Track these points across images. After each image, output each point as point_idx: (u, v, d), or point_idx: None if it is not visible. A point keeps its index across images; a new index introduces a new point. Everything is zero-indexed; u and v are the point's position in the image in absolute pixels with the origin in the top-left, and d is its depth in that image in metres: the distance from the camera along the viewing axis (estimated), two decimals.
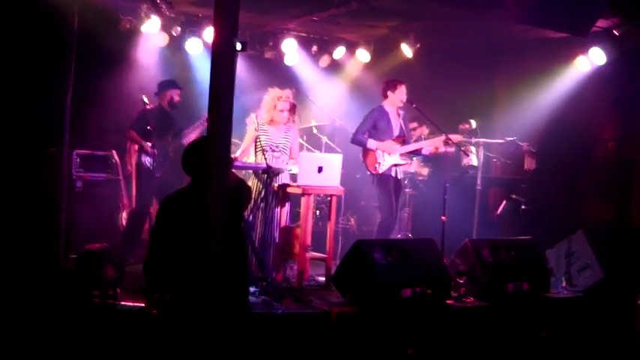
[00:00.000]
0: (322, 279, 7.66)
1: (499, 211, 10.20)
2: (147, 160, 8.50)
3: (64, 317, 5.12)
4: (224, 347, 4.56)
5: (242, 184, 5.33)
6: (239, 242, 5.08)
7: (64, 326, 5.09)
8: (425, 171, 10.22)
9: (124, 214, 9.24)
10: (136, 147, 8.89)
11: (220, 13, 4.67)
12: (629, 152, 10.33)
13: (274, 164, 7.59)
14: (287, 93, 7.90)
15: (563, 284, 7.90)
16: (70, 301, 5.20)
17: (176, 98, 8.87)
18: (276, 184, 7.65)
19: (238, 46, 4.68)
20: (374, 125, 8.56)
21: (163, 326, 4.82)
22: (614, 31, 8.77)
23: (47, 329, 5.06)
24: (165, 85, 8.91)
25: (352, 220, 10.33)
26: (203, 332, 4.36)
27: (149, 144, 8.44)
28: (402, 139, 8.60)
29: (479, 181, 9.25)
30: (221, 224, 4.44)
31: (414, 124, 9.99)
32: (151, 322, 4.98)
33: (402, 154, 8.55)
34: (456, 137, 8.64)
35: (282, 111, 7.82)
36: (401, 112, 8.73)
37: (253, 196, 7.62)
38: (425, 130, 9.88)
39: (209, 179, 4.49)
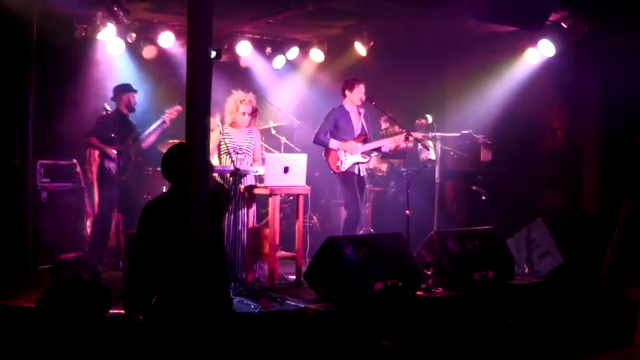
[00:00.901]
0: (292, 277, 7.80)
1: None
2: (111, 166, 8.53)
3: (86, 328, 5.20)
4: (211, 348, 4.68)
5: (221, 188, 5.43)
6: (219, 245, 5.19)
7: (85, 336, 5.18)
8: (384, 167, 10.44)
9: (88, 223, 9.24)
10: (97, 154, 8.91)
11: (194, 23, 4.74)
12: (578, 140, 10.67)
13: (239, 167, 7.70)
14: (249, 96, 8.02)
15: (526, 271, 8.17)
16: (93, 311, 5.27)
17: (133, 101, 8.91)
18: (242, 186, 7.76)
19: (213, 54, 4.78)
20: (335, 125, 8.72)
21: (151, 332, 4.90)
22: (563, 24, 9.03)
23: (69, 340, 5.12)
24: (120, 90, 8.93)
25: (315, 218, 10.47)
26: (191, 335, 4.46)
27: (113, 150, 8.48)
28: (364, 138, 8.77)
29: (437, 174, 9.43)
30: (204, 229, 4.55)
31: (387, 125, 10.19)
32: (138, 328, 5.05)
33: (363, 152, 8.73)
34: (416, 134, 8.86)
35: (243, 114, 7.94)
36: (361, 110, 8.89)
37: None
38: (397, 128, 10.04)
39: (190, 187, 4.60)
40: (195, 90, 4.69)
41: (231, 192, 7.64)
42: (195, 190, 4.56)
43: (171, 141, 9.35)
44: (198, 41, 4.70)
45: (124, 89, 8.96)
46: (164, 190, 8.79)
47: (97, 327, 5.20)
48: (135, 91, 8.98)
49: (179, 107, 8.79)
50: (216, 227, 5.13)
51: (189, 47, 4.76)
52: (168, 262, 4.84)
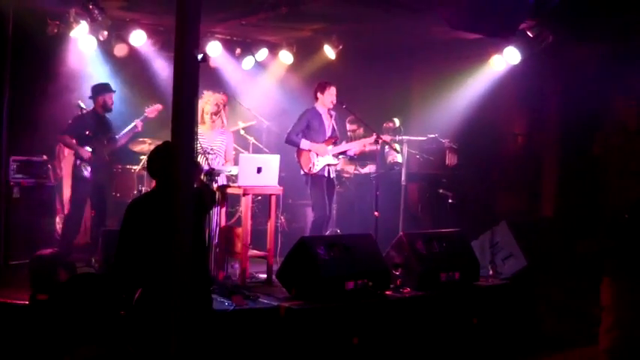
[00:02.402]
0: (263, 276, 7.92)
1: None
2: (84, 166, 8.58)
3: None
4: (193, 344, 4.80)
5: (205, 188, 5.56)
6: (201, 243, 5.31)
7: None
8: (351, 168, 10.60)
9: (58, 219, 9.28)
10: (67, 151, 8.96)
11: (182, 26, 4.85)
12: (539, 145, 10.95)
13: (213, 167, 7.82)
14: (215, 96, 8.15)
15: (490, 273, 8.38)
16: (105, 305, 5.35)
17: (109, 102, 8.94)
18: (215, 185, 7.87)
19: (199, 57, 4.90)
20: (307, 126, 8.86)
21: (133, 326, 5.01)
22: (529, 32, 9.27)
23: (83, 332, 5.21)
24: (98, 90, 8.95)
25: (282, 218, 10.58)
26: (174, 331, 4.58)
27: (88, 149, 8.53)
28: (334, 140, 8.95)
29: (403, 177, 9.60)
30: (187, 227, 4.67)
31: (354, 126, 10.35)
32: (120, 322, 5.16)
33: (334, 154, 8.89)
34: (385, 137, 9.04)
35: (207, 113, 8.09)
36: (332, 113, 9.05)
37: None
38: (363, 131, 10.20)
39: (174, 185, 4.72)
40: (182, 92, 4.82)
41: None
42: (179, 189, 4.69)
43: (141, 139, 9.45)
44: (185, 44, 4.82)
45: (101, 89, 8.97)
46: (139, 189, 8.91)
47: (108, 319, 5.28)
48: (113, 92, 9.02)
49: (159, 106, 8.88)
50: (200, 225, 5.25)
51: (176, 50, 4.85)
52: (152, 257, 4.95)
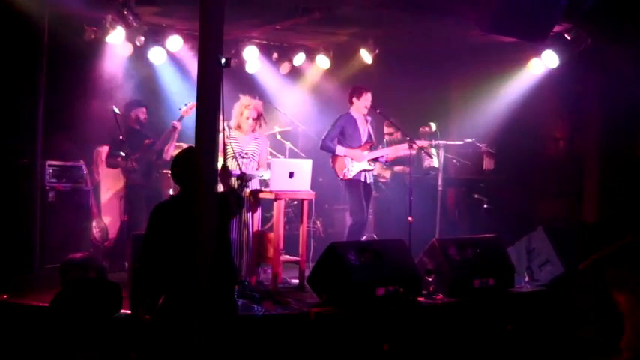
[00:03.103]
0: (295, 281, 7.91)
1: None
2: (132, 177, 8.72)
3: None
4: (216, 349, 4.79)
5: (232, 192, 5.53)
6: (226, 248, 5.29)
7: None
8: (387, 173, 10.53)
9: (94, 224, 9.35)
10: (103, 156, 9.11)
11: (206, 31, 4.86)
12: (579, 149, 10.77)
13: (245, 171, 7.80)
14: (255, 102, 8.10)
15: (526, 279, 8.26)
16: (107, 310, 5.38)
17: (142, 116, 9.12)
18: (248, 190, 7.86)
19: (222, 62, 4.90)
20: (342, 132, 8.80)
21: (157, 331, 5.00)
22: (566, 35, 9.15)
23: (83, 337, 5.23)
24: (129, 106, 9.15)
25: (318, 223, 10.55)
26: (196, 335, 4.57)
27: (128, 165, 8.67)
28: (370, 145, 8.88)
29: (440, 182, 9.51)
30: (211, 232, 4.66)
31: (391, 130, 10.28)
32: (144, 327, 5.16)
33: (369, 160, 8.83)
34: (420, 143, 8.96)
35: (247, 118, 8.00)
36: (368, 118, 8.98)
37: None
38: (400, 135, 10.12)
39: (198, 190, 4.72)
40: (206, 96, 4.82)
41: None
42: (202, 193, 4.69)
43: (177, 144, 9.48)
44: (208, 49, 4.83)
45: (132, 105, 9.17)
46: (170, 194, 8.93)
47: (109, 324, 5.29)
48: (144, 106, 9.16)
49: (194, 103, 8.92)
50: (224, 230, 5.23)
51: (200, 55, 4.88)
52: (176, 263, 4.94)
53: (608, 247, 5.85)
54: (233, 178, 7.74)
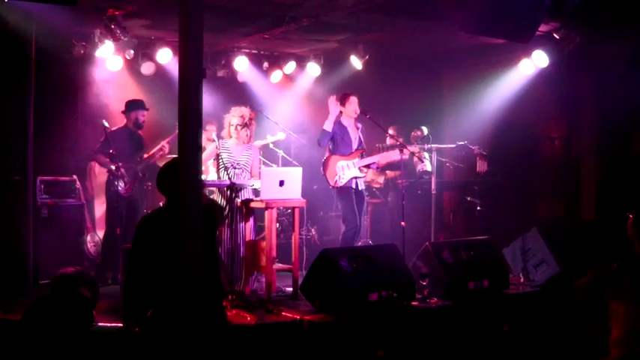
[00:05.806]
0: (290, 289, 7.87)
1: None
2: (117, 183, 8.64)
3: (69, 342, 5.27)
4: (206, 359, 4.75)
5: (214, 204, 5.52)
6: (213, 259, 5.27)
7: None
8: (381, 179, 10.52)
9: (89, 238, 9.34)
10: (97, 170, 9.08)
11: (185, 41, 4.84)
12: (575, 149, 10.75)
13: (236, 181, 7.80)
14: (242, 110, 8.10)
15: (521, 280, 8.23)
16: (77, 326, 5.35)
17: (141, 119, 9.10)
18: (239, 200, 7.85)
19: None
20: (332, 138, 8.78)
21: (146, 344, 4.98)
22: (555, 35, 9.13)
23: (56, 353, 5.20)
24: (131, 106, 9.12)
25: (313, 230, 10.53)
26: (186, 347, 4.54)
27: (113, 166, 8.59)
28: (361, 152, 8.85)
29: (433, 186, 9.49)
30: (196, 243, 4.63)
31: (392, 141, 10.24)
32: (133, 340, 5.14)
33: (360, 167, 8.80)
34: (411, 148, 8.94)
35: (236, 127, 8.02)
36: (359, 125, 8.96)
37: None
38: (389, 141, 10.08)
39: (182, 201, 4.69)
40: (187, 107, 4.80)
41: (228, 206, 7.75)
42: (187, 205, 4.66)
43: (172, 156, 9.46)
44: (189, 59, 4.81)
45: (134, 106, 9.15)
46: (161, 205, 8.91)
47: (82, 340, 5.27)
48: (146, 109, 9.16)
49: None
50: (210, 241, 5.20)
51: (180, 66, 4.86)
52: (163, 275, 4.92)
53: (606, 265, 5.82)
54: (225, 188, 7.77)
